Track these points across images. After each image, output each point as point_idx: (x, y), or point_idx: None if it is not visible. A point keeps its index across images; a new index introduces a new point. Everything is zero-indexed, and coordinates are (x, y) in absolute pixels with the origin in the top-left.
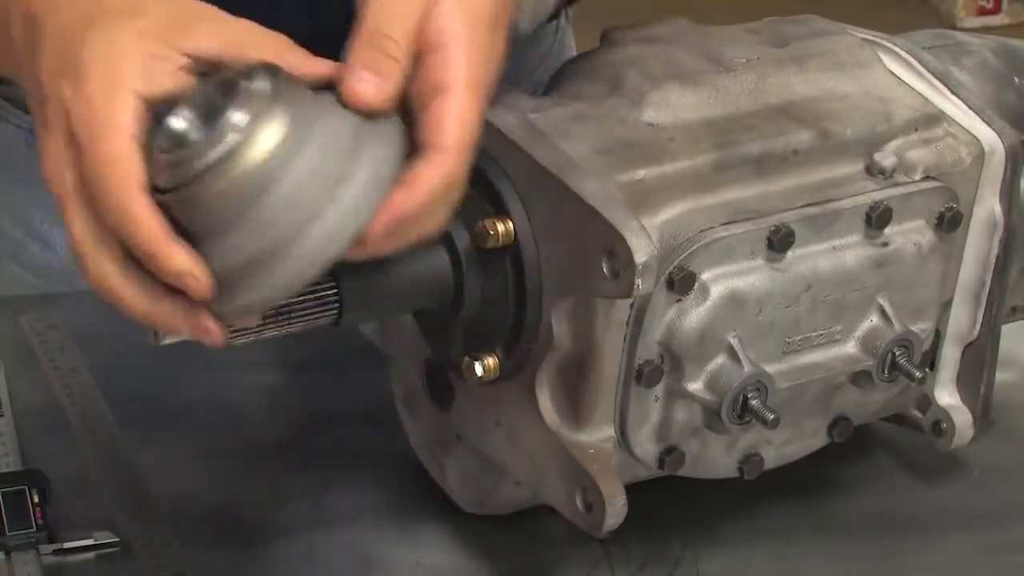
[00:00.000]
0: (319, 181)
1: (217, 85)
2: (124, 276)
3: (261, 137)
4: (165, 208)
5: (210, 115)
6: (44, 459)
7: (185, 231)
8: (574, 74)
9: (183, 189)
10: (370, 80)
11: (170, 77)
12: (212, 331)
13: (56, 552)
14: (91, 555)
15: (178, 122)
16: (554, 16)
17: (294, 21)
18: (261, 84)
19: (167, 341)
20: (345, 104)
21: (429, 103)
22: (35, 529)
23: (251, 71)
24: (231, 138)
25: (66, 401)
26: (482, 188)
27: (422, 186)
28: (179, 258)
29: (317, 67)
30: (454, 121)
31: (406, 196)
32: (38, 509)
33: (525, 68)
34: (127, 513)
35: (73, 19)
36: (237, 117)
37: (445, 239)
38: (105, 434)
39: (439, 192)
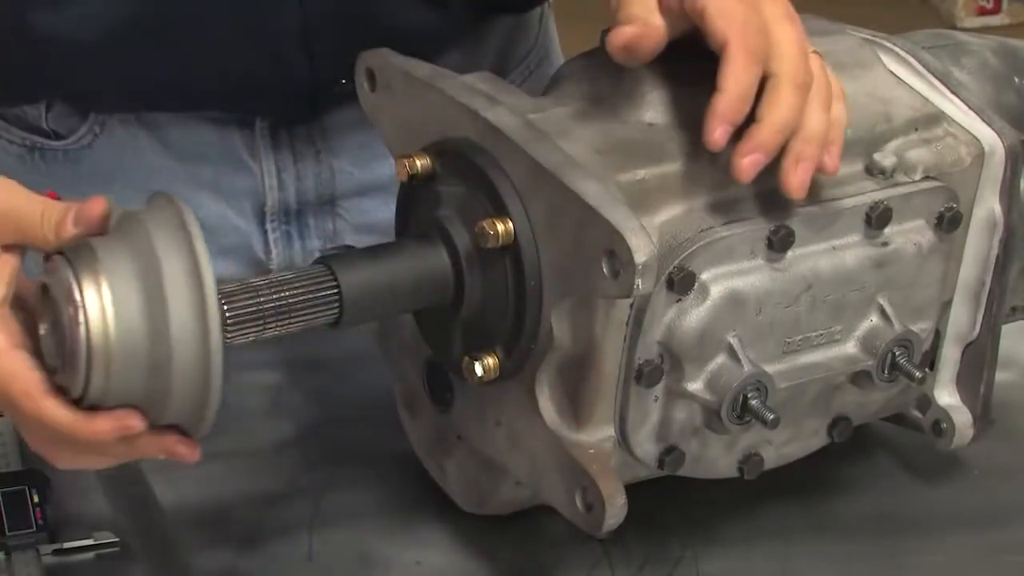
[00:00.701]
0: (153, 311)
1: (47, 299)
2: (86, 453)
3: (97, 344)
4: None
5: (57, 332)
6: (44, 459)
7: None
8: (574, 74)
9: (86, 399)
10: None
11: (0, 270)
12: (183, 453)
13: (56, 552)
14: (91, 555)
15: (46, 349)
16: (537, 3)
17: (284, 13)
18: (64, 292)
19: None
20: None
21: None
22: (35, 529)
23: (52, 272)
24: (82, 362)
25: None
26: (482, 188)
27: (730, 80)
28: (102, 425)
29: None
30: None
31: (721, 96)
32: (38, 509)
33: (513, 57)
34: (127, 513)
35: None
36: (72, 341)
37: (445, 239)
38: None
39: (747, 81)
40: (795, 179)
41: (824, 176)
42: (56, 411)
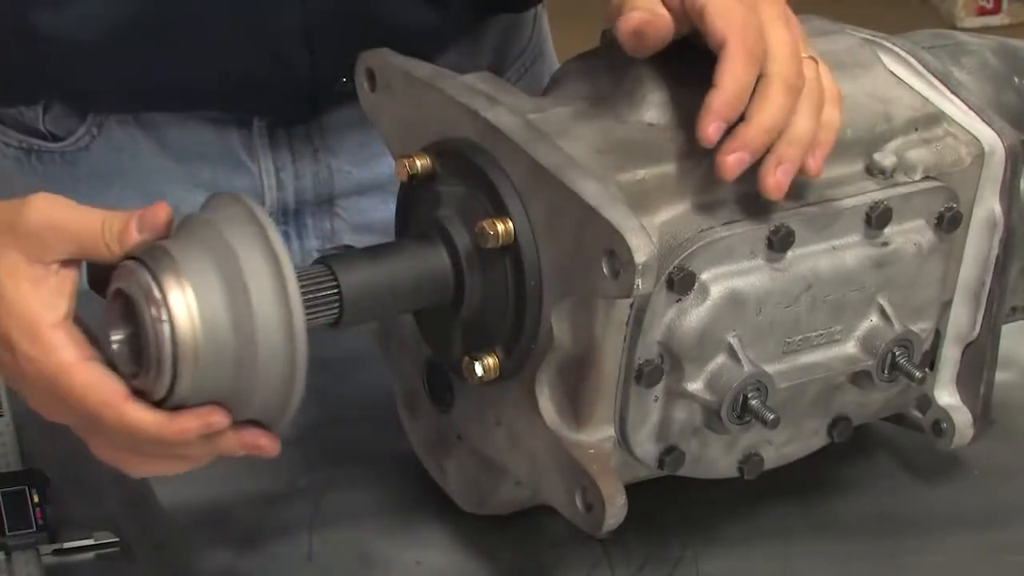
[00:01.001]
0: (235, 304)
1: (121, 305)
2: (164, 457)
3: (184, 342)
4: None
5: (134, 340)
6: (44, 459)
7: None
8: (574, 74)
9: (170, 400)
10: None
11: (61, 286)
12: (265, 446)
13: (56, 552)
14: (91, 555)
15: (120, 357)
16: (535, 2)
17: (286, 12)
18: (145, 289)
19: None
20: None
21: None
22: (35, 529)
23: (128, 273)
24: (168, 363)
25: None
26: (482, 188)
27: (727, 77)
28: (188, 423)
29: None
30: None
31: (717, 93)
32: (38, 509)
33: (509, 55)
34: (127, 513)
35: None
36: (158, 343)
37: (445, 239)
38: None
39: (744, 80)
40: (772, 180)
41: (824, 176)
42: (140, 415)
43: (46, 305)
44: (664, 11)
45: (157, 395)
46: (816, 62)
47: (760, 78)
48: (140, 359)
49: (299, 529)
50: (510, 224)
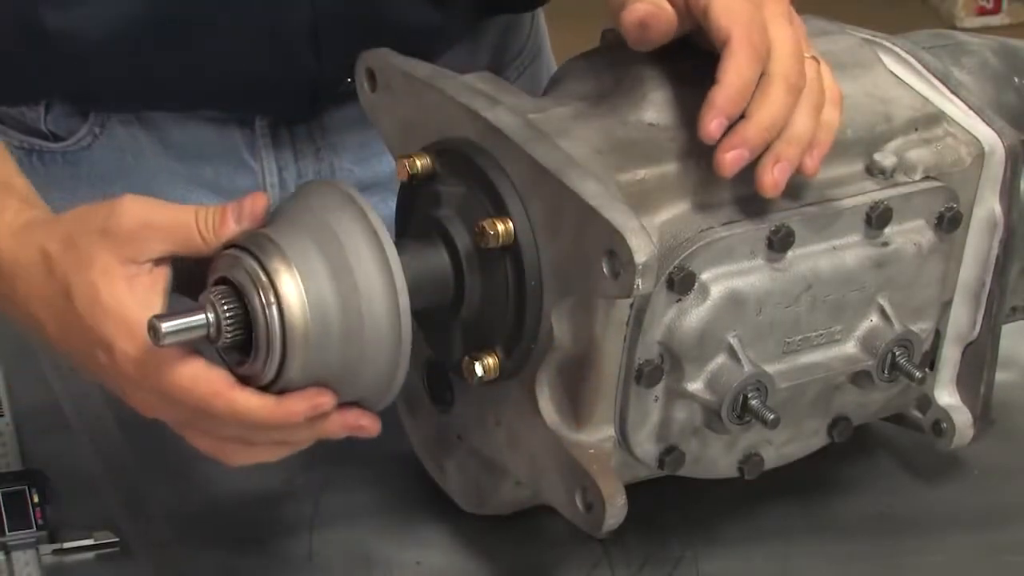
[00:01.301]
0: (343, 287)
1: (223, 294)
2: (268, 444)
3: (295, 325)
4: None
5: (236, 324)
6: (44, 459)
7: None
8: (574, 74)
9: (277, 384)
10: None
11: (154, 284)
12: (367, 426)
13: (56, 552)
14: (91, 555)
15: (226, 348)
16: (539, 3)
17: (294, 13)
18: (252, 275)
19: (167, 342)
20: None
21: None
22: (35, 529)
23: (234, 262)
24: (278, 346)
25: (66, 401)
26: (482, 188)
27: (730, 73)
28: (296, 406)
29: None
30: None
31: (719, 89)
32: (38, 509)
33: (508, 54)
34: (127, 513)
35: (55, 299)
36: (266, 330)
37: (445, 239)
38: (105, 434)
39: (747, 76)
40: (769, 178)
41: (824, 176)
42: (249, 400)
43: (142, 304)
44: (668, 6)
45: (264, 380)
46: (818, 62)
47: (762, 76)
48: (246, 346)
49: (299, 529)
50: (510, 224)
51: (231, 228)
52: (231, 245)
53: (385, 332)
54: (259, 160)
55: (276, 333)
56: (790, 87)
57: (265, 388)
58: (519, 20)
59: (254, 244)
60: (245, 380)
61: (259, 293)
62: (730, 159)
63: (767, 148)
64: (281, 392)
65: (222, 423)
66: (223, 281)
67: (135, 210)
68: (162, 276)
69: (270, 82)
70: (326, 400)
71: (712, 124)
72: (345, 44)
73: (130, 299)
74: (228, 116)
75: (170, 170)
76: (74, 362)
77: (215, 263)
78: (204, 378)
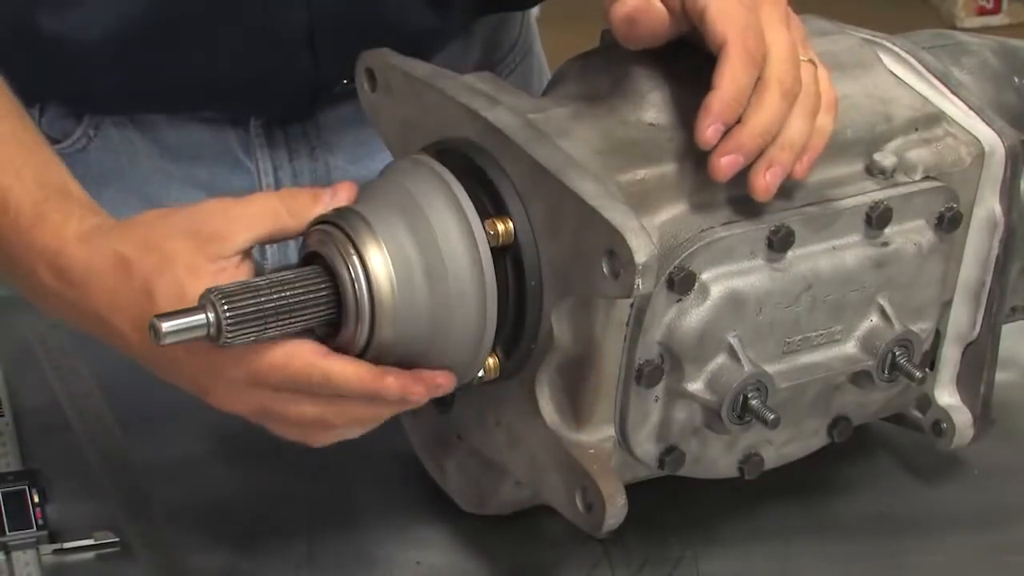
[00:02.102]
0: (429, 258)
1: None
2: (352, 423)
3: (381, 300)
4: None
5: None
6: (44, 459)
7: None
8: (574, 74)
9: (369, 351)
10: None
11: (239, 275)
12: (443, 383)
13: (56, 552)
14: (91, 555)
15: (319, 325)
16: (534, 2)
17: (292, 14)
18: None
19: (168, 341)
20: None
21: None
22: (35, 529)
23: (325, 239)
24: (366, 318)
25: (66, 401)
26: (482, 188)
27: (726, 79)
28: (390, 381)
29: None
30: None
31: (715, 95)
32: (38, 509)
33: (499, 51)
34: (127, 513)
35: (135, 301)
36: (355, 301)
37: None
38: (105, 434)
39: (743, 82)
40: (762, 183)
41: (824, 176)
42: (346, 368)
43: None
44: (658, 3)
45: (355, 351)
46: (815, 66)
47: (758, 80)
48: (336, 322)
49: (299, 529)
50: (510, 224)
51: (316, 212)
52: (321, 221)
53: (471, 301)
54: (254, 160)
55: (365, 306)
56: (785, 92)
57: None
58: (510, 17)
59: (343, 219)
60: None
61: (348, 267)
62: (725, 164)
63: (761, 152)
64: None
65: (310, 401)
66: (313, 256)
67: (217, 207)
68: (246, 271)
69: (267, 84)
70: (446, 381)
71: (708, 130)
72: (342, 45)
73: None
74: (222, 117)
75: (165, 172)
76: (154, 366)
77: (307, 240)
78: (298, 352)
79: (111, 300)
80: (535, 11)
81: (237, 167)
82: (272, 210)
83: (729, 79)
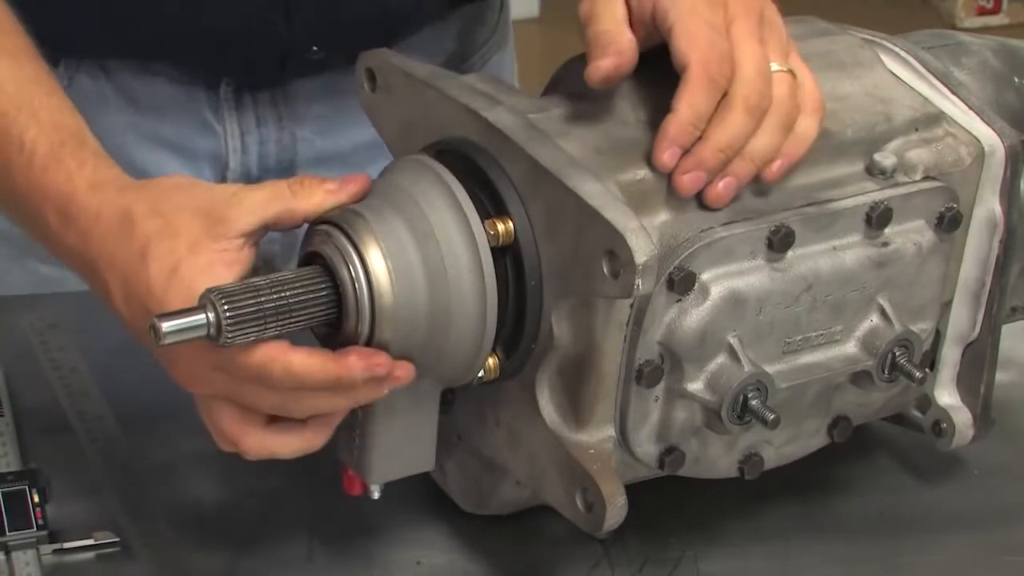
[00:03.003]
0: (430, 260)
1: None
2: (327, 403)
3: (380, 301)
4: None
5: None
6: (44, 459)
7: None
8: (574, 74)
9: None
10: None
11: (233, 264)
12: (402, 373)
13: (56, 552)
14: (91, 555)
15: (318, 326)
16: None
17: (268, 24)
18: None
19: (168, 341)
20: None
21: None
22: (35, 529)
23: (326, 238)
24: (366, 320)
25: (66, 401)
26: (482, 188)
27: (683, 104)
28: (353, 359)
29: (327, 184)
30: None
31: (672, 119)
32: (38, 509)
33: (474, 42)
34: (127, 513)
35: (129, 260)
36: (355, 303)
37: None
38: (105, 434)
39: (702, 108)
40: (714, 192)
41: (824, 176)
42: (306, 359)
43: (215, 280)
44: (628, 37)
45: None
46: (794, 75)
47: (724, 97)
48: (337, 323)
49: (299, 529)
50: (510, 224)
51: (327, 204)
52: (322, 221)
53: (471, 301)
54: (222, 122)
55: (365, 306)
56: (750, 108)
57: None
58: (486, 9)
59: (343, 220)
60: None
61: (348, 267)
62: (687, 181)
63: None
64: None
65: (269, 393)
66: (314, 256)
67: (230, 190)
68: (247, 256)
69: (238, 42)
70: (382, 360)
71: (665, 155)
72: (315, 11)
73: (205, 276)
74: (194, 78)
75: (134, 127)
76: (127, 323)
77: (308, 239)
78: (263, 343)
79: (110, 254)
80: (512, 10)
81: (205, 128)
82: (279, 193)
83: (687, 104)
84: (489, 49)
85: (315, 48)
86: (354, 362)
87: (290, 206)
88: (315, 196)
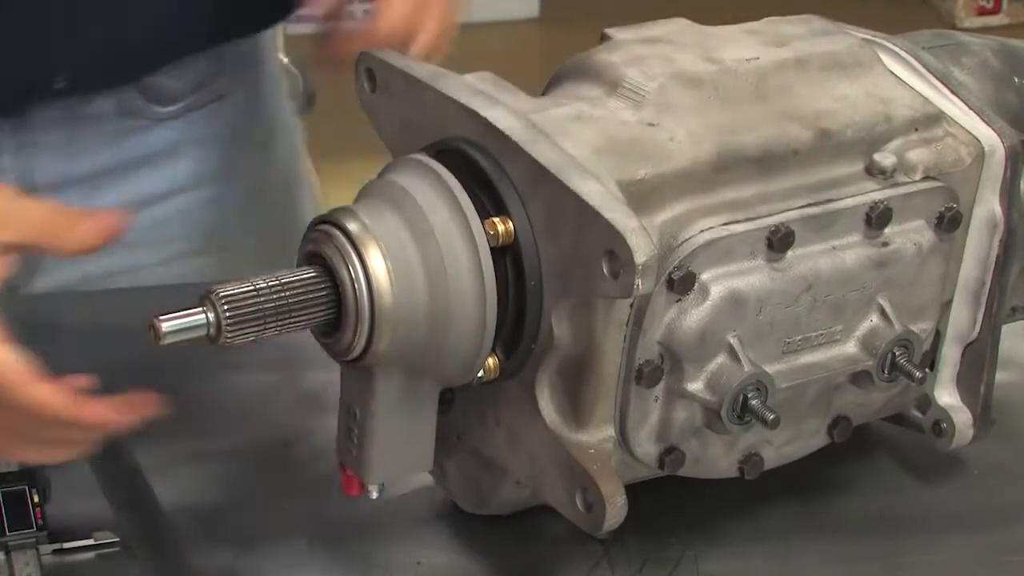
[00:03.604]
0: (429, 261)
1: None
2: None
3: (383, 299)
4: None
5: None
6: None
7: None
8: (574, 74)
9: (366, 357)
10: None
11: None
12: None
13: (56, 552)
14: (91, 555)
15: (317, 326)
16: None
17: (15, 56)
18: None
19: (167, 341)
20: None
21: None
22: (35, 529)
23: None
24: (366, 321)
25: None
26: (482, 188)
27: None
28: (92, 410)
29: None
30: None
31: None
32: (38, 509)
33: (223, 64)
34: (127, 513)
35: None
36: (355, 304)
37: None
38: (105, 434)
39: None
40: None
41: (824, 176)
42: (49, 395)
43: None
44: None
45: (354, 355)
46: None
47: None
48: (336, 323)
49: (299, 529)
50: (510, 224)
51: (91, 237)
52: (321, 221)
53: (471, 301)
54: None
55: (365, 307)
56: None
57: (354, 362)
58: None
59: (342, 219)
60: (334, 355)
61: (348, 268)
62: None
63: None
64: (370, 367)
65: (8, 413)
66: (313, 256)
67: (11, 194)
68: (2, 265)
69: None
70: (119, 417)
71: None
72: (65, 46)
73: None
74: None
75: None
76: None
77: (305, 239)
78: (12, 368)
79: None
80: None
81: None
82: (46, 222)
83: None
84: (248, 63)
85: (60, 79)
86: (93, 408)
87: (47, 241)
88: (71, 231)
